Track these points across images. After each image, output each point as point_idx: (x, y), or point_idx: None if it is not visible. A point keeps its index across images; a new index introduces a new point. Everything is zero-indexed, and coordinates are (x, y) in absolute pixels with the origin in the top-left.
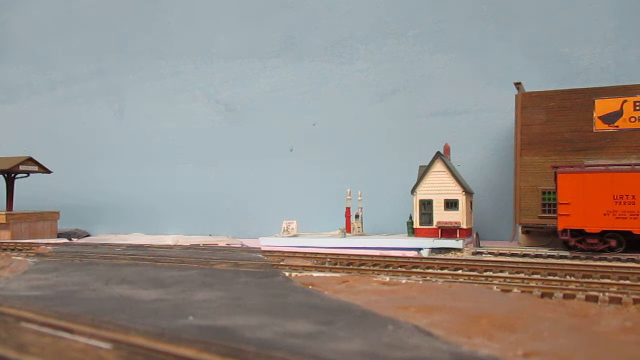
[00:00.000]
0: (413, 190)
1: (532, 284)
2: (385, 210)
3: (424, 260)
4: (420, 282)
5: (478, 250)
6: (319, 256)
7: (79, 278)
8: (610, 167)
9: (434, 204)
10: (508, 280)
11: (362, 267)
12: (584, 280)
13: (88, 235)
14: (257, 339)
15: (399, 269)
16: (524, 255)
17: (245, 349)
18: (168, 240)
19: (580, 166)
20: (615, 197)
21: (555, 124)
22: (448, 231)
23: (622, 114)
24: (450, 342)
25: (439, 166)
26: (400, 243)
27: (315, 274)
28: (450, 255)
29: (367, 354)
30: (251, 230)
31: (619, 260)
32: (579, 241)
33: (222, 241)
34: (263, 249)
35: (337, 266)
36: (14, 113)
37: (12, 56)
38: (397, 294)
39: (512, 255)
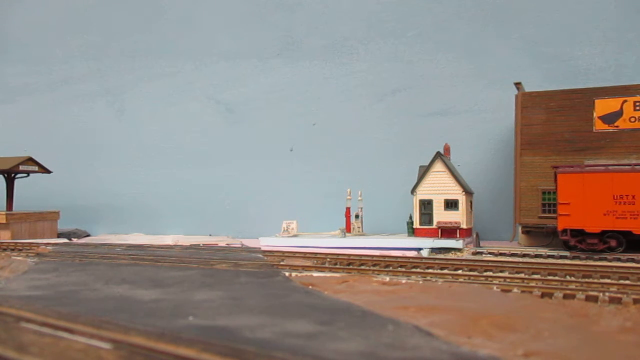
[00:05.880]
0: (413, 190)
1: (532, 284)
2: (385, 210)
3: (424, 260)
4: (420, 282)
5: (478, 250)
6: (319, 256)
7: (79, 278)
8: (610, 167)
9: (434, 204)
10: (508, 280)
11: (362, 267)
12: (584, 280)
13: (88, 235)
14: (257, 339)
15: (399, 269)
16: (524, 255)
17: (245, 349)
18: (168, 240)
19: (580, 166)
20: (615, 197)
21: (556, 124)
22: (448, 231)
23: (622, 114)
24: (450, 342)
25: (439, 166)
26: (400, 243)
27: (315, 274)
28: (450, 255)
29: (367, 354)
30: (251, 230)
31: (619, 260)
32: (579, 241)
33: (222, 241)
34: (263, 249)
35: (337, 266)
36: (14, 113)
37: (12, 56)
38: (397, 294)
39: (512, 255)
